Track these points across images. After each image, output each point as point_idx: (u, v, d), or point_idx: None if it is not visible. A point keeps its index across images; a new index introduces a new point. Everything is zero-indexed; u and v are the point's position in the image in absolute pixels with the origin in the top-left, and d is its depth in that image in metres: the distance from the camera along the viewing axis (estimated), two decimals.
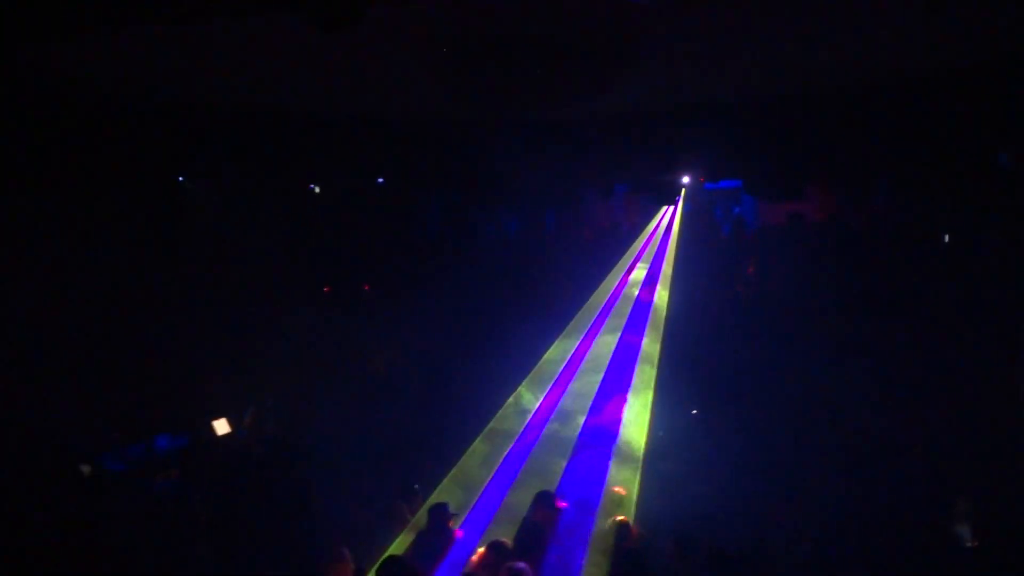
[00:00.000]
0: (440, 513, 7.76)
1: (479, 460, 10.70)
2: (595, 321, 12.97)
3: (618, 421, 10.95)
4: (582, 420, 11.17)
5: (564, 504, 8.04)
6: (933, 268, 11.30)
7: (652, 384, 11.49)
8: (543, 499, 8.04)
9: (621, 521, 7.78)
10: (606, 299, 13.37)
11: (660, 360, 11.80)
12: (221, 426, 11.06)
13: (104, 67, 7.93)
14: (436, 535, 7.58)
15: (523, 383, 11.89)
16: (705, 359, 11.63)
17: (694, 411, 11.08)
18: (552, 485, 9.08)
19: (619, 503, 8.69)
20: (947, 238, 11.82)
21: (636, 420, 10.92)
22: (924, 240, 11.81)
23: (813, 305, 11.54)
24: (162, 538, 8.38)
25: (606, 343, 12.61)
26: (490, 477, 10.48)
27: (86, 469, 9.27)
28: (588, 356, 12.40)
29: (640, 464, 9.94)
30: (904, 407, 10.19)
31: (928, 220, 11.73)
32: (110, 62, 7.76)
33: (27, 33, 5.26)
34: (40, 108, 8.38)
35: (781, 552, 7.84)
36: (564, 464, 10.27)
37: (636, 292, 13.39)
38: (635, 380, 11.72)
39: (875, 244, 12.01)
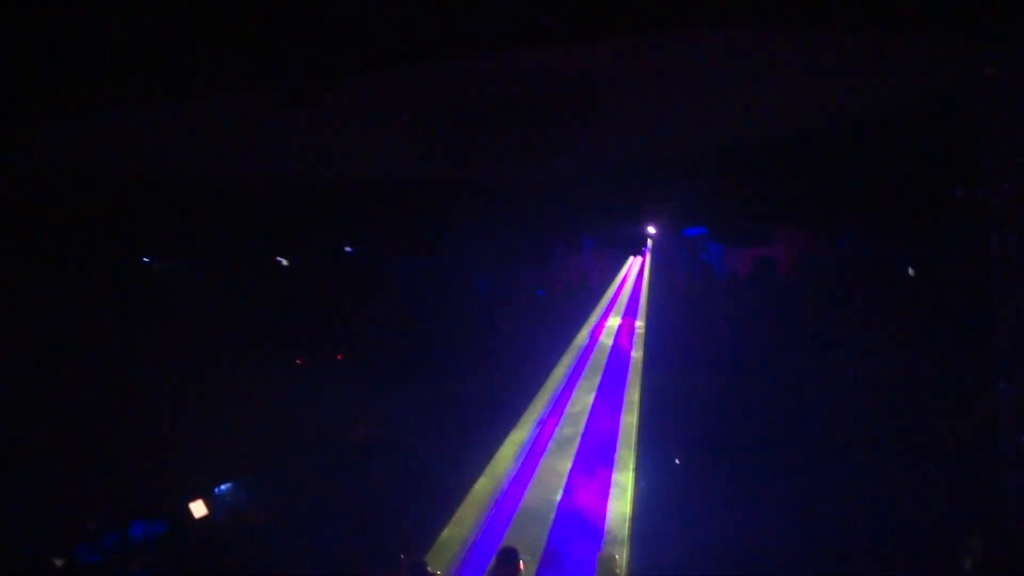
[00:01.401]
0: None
1: (463, 527, 10.64)
2: (570, 377, 13.04)
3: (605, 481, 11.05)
4: (561, 483, 11.23)
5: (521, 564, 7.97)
6: (901, 300, 11.48)
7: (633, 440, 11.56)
8: (506, 556, 7.99)
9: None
10: (581, 353, 13.44)
11: (640, 412, 11.86)
12: (198, 508, 10.78)
13: (66, 145, 7.88)
14: None
15: (504, 446, 11.87)
16: (686, 405, 11.66)
17: (676, 460, 11.05)
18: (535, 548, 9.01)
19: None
20: (911, 270, 12.02)
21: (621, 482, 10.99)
22: (890, 274, 12.00)
23: (790, 343, 11.63)
24: None
25: (583, 394, 12.69)
26: (471, 543, 10.43)
27: (59, 563, 8.94)
28: (567, 412, 12.46)
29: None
30: (889, 435, 10.25)
31: (893, 254, 11.93)
32: (72, 140, 7.71)
33: None
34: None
35: None
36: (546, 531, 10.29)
37: (609, 345, 13.49)
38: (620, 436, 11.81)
39: (844, 282, 12.18)
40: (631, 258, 13.99)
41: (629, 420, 12.00)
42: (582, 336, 13.66)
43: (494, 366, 13.14)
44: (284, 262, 12.54)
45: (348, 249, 12.24)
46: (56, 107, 5.92)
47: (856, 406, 10.57)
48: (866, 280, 12.07)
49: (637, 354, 13.01)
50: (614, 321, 13.85)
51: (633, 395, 12.40)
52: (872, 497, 9.53)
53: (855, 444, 10.29)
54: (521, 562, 7.81)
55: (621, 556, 9.25)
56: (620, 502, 10.77)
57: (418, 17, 5.06)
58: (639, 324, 13.43)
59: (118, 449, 10.46)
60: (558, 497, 11.13)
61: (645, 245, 12.45)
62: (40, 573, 9.03)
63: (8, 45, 5.07)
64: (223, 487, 11.44)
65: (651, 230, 12.29)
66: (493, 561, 7.91)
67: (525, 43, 5.44)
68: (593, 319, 13.86)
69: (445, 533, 10.58)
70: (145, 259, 11.05)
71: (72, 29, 5.04)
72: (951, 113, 8.41)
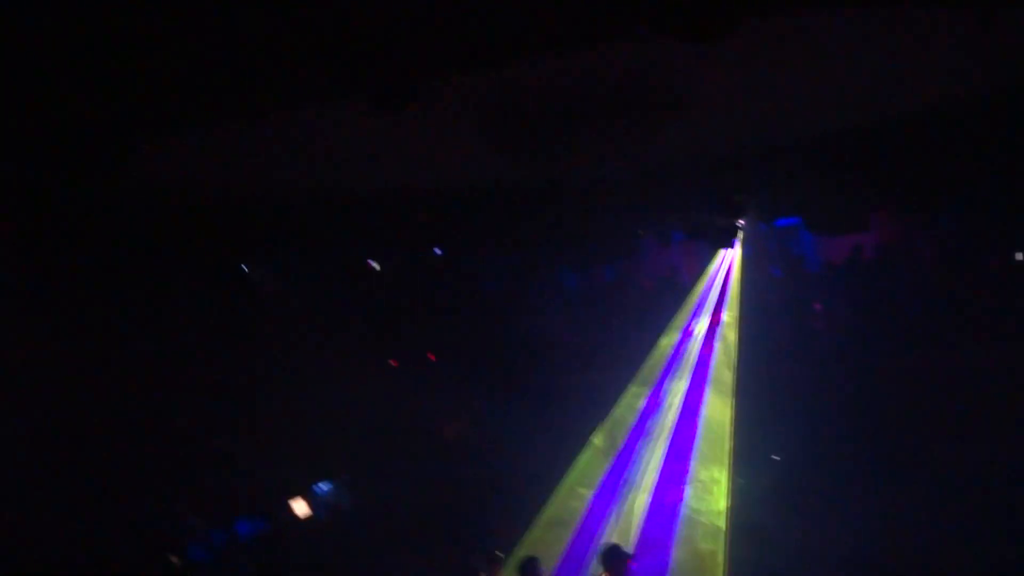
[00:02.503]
0: (531, 568, 7.68)
1: (554, 524, 10.67)
2: (663, 375, 12.90)
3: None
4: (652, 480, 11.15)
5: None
6: (1008, 286, 10.99)
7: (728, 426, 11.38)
8: (612, 554, 7.92)
9: None
10: (671, 351, 13.27)
11: (735, 408, 11.66)
12: (300, 507, 11.10)
13: (161, 164, 8.21)
14: None
15: (591, 445, 11.85)
16: (783, 403, 11.38)
17: (775, 456, 10.82)
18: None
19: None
20: (1020, 255, 11.51)
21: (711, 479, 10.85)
22: (995, 258, 11.51)
23: (887, 335, 11.25)
24: None
25: (676, 395, 12.53)
26: (569, 540, 10.42)
27: (175, 560, 9.33)
28: (660, 411, 12.35)
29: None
30: (987, 430, 9.83)
31: (998, 238, 11.43)
32: (166, 159, 8.03)
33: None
34: (96, 213, 8.65)
35: None
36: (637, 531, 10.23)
37: (699, 341, 13.27)
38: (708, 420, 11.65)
39: (946, 268, 11.72)
40: (721, 251, 13.73)
41: (721, 414, 11.82)
42: (669, 331, 13.47)
43: (583, 363, 13.09)
44: (377, 267, 12.78)
45: (437, 251, 12.39)
46: (158, 126, 6.20)
47: (969, 400, 10.14)
48: (968, 264, 11.62)
49: (730, 350, 12.77)
50: (702, 317, 13.62)
51: (727, 390, 12.20)
52: (992, 498, 9.12)
53: (969, 441, 9.89)
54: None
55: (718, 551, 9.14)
56: (714, 497, 10.64)
57: (505, 16, 5.10)
58: (730, 319, 13.17)
59: (222, 451, 10.86)
60: (649, 495, 11.05)
61: (735, 237, 12.20)
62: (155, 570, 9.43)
63: (112, 65, 5.31)
64: (323, 486, 11.75)
65: (740, 222, 12.04)
66: (596, 561, 7.88)
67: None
68: (681, 313, 13.65)
69: (537, 532, 10.63)
70: (244, 268, 11.43)
71: (167, 50, 5.26)
72: None
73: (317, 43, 5.33)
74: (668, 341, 13.35)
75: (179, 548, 9.54)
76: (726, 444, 11.34)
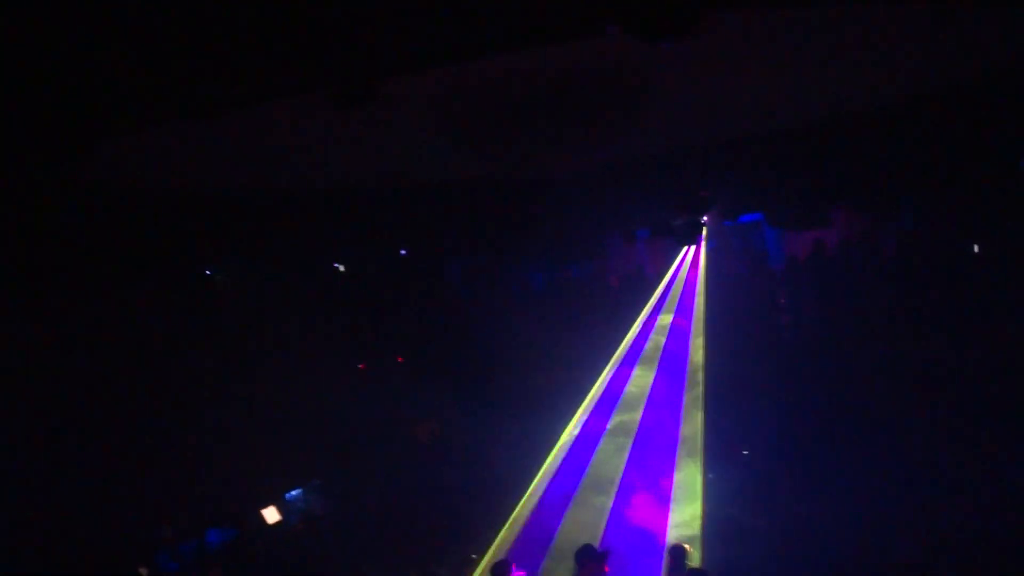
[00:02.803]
0: (503, 570, 7.69)
1: (523, 525, 10.70)
2: (629, 371, 13.00)
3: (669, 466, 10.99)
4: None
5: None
6: (967, 278, 11.18)
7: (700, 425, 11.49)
8: (586, 554, 7.89)
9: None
10: (638, 348, 13.37)
11: (703, 403, 11.77)
12: (271, 514, 10.99)
13: (118, 163, 8.07)
14: None
15: (560, 443, 11.91)
16: (750, 397, 11.50)
17: (744, 452, 10.93)
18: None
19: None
20: (976, 248, 11.71)
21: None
22: (954, 251, 11.70)
23: (852, 329, 11.40)
24: None
25: (644, 391, 12.63)
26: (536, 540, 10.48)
27: (144, 572, 9.19)
28: (628, 408, 12.44)
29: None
30: (958, 423, 9.99)
31: (956, 231, 11.63)
32: (123, 158, 7.90)
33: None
34: (57, 212, 8.48)
35: None
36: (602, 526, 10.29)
37: (665, 338, 13.39)
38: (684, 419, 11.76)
39: (907, 261, 11.90)
40: (685, 248, 13.85)
41: (693, 413, 11.92)
42: (636, 328, 13.58)
43: (551, 362, 13.12)
44: (341, 268, 12.71)
45: (403, 252, 12.34)
46: (117, 123, 6.09)
47: (932, 390, 10.31)
48: (928, 258, 11.80)
49: (697, 345, 12.89)
50: (668, 313, 13.74)
51: (695, 386, 12.30)
52: (951, 486, 9.28)
53: (933, 431, 10.04)
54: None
55: (695, 548, 9.18)
56: (688, 494, 10.70)
57: (470, 12, 5.08)
58: (696, 314, 13.30)
59: (189, 458, 10.72)
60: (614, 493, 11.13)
61: (700, 233, 12.31)
62: None
63: (73, 60, 5.21)
64: (294, 492, 11.65)
65: (704, 218, 12.14)
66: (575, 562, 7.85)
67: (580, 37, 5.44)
68: (648, 310, 13.76)
69: (504, 532, 10.63)
70: (207, 271, 11.29)
71: (132, 45, 5.17)
72: (1013, 85, 8.18)
73: (280, 39, 5.28)
74: (634, 337, 13.46)
75: (148, 558, 9.38)
76: (698, 441, 11.43)
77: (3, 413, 8.88)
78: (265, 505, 11.07)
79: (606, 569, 7.68)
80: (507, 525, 10.70)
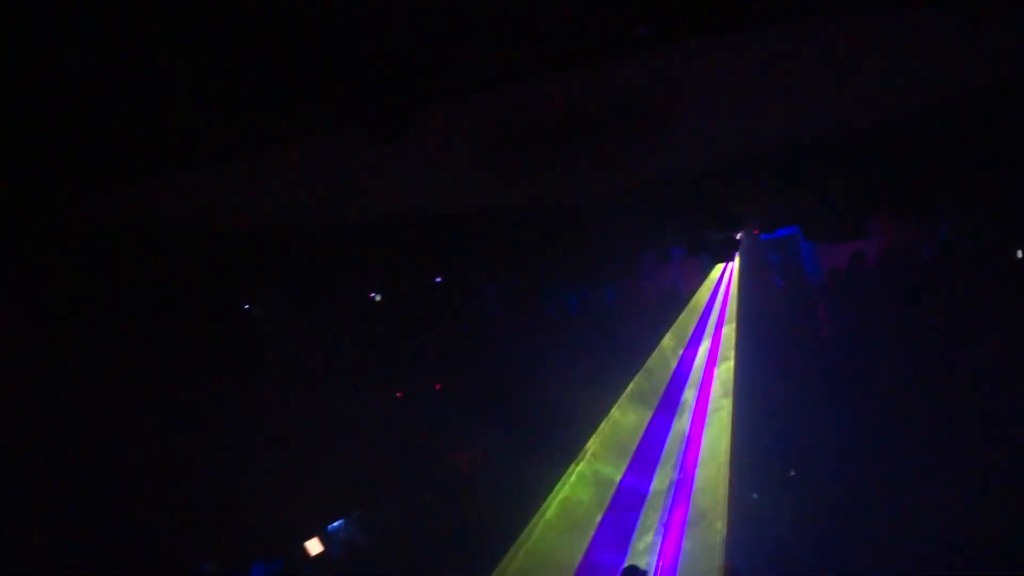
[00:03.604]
0: None
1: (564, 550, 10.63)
2: (667, 393, 12.89)
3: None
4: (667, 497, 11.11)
5: None
6: (1009, 283, 10.96)
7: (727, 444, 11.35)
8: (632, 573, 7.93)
9: None
10: (674, 367, 13.26)
11: (735, 423, 11.64)
12: (313, 546, 10.99)
13: (154, 203, 8.17)
14: None
15: (596, 465, 11.82)
16: (785, 410, 11.32)
17: (791, 472, 10.75)
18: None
19: None
20: (1021, 253, 11.49)
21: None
22: (996, 258, 11.49)
23: (893, 341, 11.20)
24: None
25: (683, 413, 12.52)
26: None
27: None
28: (666, 431, 12.34)
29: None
30: (1002, 431, 9.74)
31: (997, 237, 11.42)
32: (160, 200, 8.00)
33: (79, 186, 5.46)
34: (94, 254, 8.59)
35: None
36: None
37: (704, 356, 13.25)
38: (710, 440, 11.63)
39: (947, 270, 11.69)
40: (720, 265, 13.74)
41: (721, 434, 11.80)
42: (676, 345, 13.47)
43: (589, 383, 13.03)
44: (377, 298, 12.76)
45: (437, 279, 12.37)
46: (153, 166, 6.18)
47: (975, 401, 10.08)
48: (970, 265, 11.58)
49: (729, 363, 12.75)
50: (709, 330, 13.61)
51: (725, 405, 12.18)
52: (991, 496, 9.04)
53: (975, 442, 9.81)
54: None
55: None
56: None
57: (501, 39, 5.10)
58: (729, 330, 13.15)
59: (231, 492, 10.74)
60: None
61: (735, 250, 12.20)
62: None
63: (105, 103, 5.29)
64: (336, 523, 11.64)
65: (739, 234, 12.05)
66: None
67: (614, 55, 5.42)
68: (688, 329, 13.64)
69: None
70: (246, 306, 11.38)
71: (163, 86, 5.24)
72: None
73: (309, 76, 5.33)
74: (672, 358, 13.34)
75: None
76: (725, 459, 11.32)
77: (42, 451, 8.98)
78: (308, 537, 11.06)
79: None
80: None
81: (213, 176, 7.18)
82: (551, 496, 11.33)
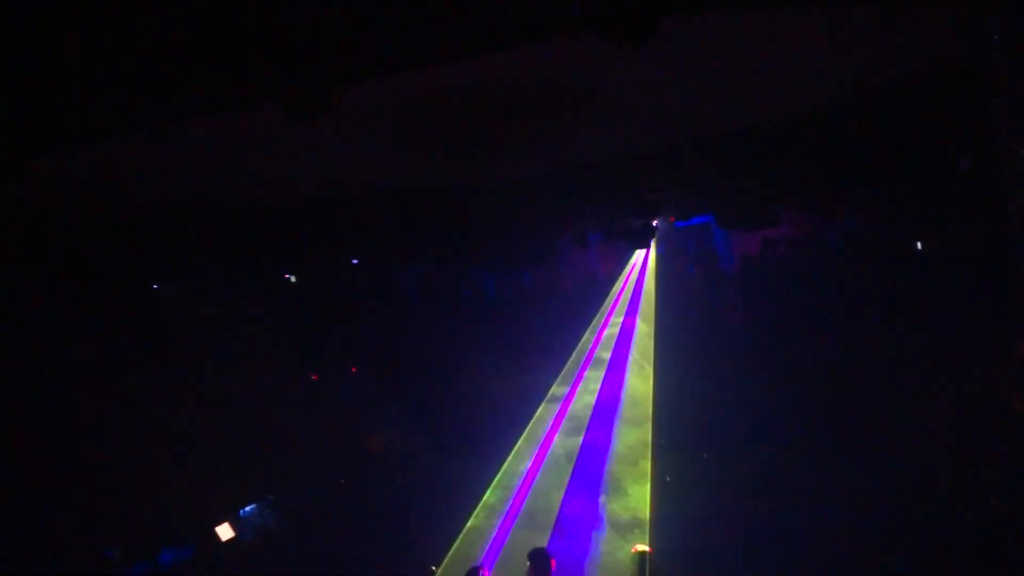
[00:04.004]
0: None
1: (476, 536, 10.69)
2: (582, 374, 13.06)
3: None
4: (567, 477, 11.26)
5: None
6: (910, 273, 11.45)
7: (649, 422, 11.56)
8: (537, 557, 8.01)
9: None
10: (590, 350, 13.45)
11: (655, 398, 11.84)
12: (224, 531, 10.77)
13: (61, 179, 7.85)
14: None
15: (514, 449, 11.90)
16: (700, 393, 11.58)
17: (704, 455, 11.03)
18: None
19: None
20: (919, 244, 12.00)
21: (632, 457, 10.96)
22: (898, 248, 11.98)
23: (801, 325, 11.58)
24: None
25: (594, 393, 12.70)
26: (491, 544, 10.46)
27: None
28: (576, 407, 12.49)
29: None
30: (902, 412, 10.18)
31: (899, 229, 11.91)
32: (67, 174, 7.68)
33: None
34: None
35: None
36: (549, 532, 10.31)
37: (618, 338, 13.48)
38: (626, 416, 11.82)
39: (851, 258, 12.15)
40: (636, 252, 14.00)
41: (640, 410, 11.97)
42: (591, 331, 13.67)
43: (506, 368, 13.12)
44: (292, 279, 12.54)
45: (354, 261, 12.23)
46: (59, 138, 5.91)
47: (879, 383, 10.51)
48: (874, 256, 12.05)
49: (646, 346, 12.99)
50: (620, 316, 13.85)
51: (643, 387, 12.39)
52: (892, 485, 9.42)
53: (877, 423, 10.21)
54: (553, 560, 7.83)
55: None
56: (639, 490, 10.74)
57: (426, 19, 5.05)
58: (645, 315, 13.40)
59: (139, 477, 10.44)
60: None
61: (651, 236, 12.44)
62: None
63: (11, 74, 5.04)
64: (248, 508, 11.44)
65: (655, 221, 12.28)
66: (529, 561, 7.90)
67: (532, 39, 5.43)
68: (602, 313, 13.86)
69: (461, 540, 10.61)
70: (155, 286, 11.04)
71: (74, 54, 5.02)
72: (956, 85, 8.40)
73: (228, 50, 5.18)
74: (587, 341, 13.54)
75: None
76: (648, 438, 11.52)
77: None
78: (219, 522, 10.84)
79: (552, 565, 7.79)
80: (462, 534, 10.68)
81: (121, 153, 6.92)
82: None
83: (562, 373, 13.13)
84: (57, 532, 9.31)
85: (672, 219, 12.61)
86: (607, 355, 13.37)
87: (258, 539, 11.06)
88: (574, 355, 13.42)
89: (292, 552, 10.56)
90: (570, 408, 12.60)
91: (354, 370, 13.37)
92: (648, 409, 11.96)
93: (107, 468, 10.13)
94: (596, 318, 13.91)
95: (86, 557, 9.67)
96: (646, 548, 8.40)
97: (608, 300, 14.12)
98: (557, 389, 12.91)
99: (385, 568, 9.80)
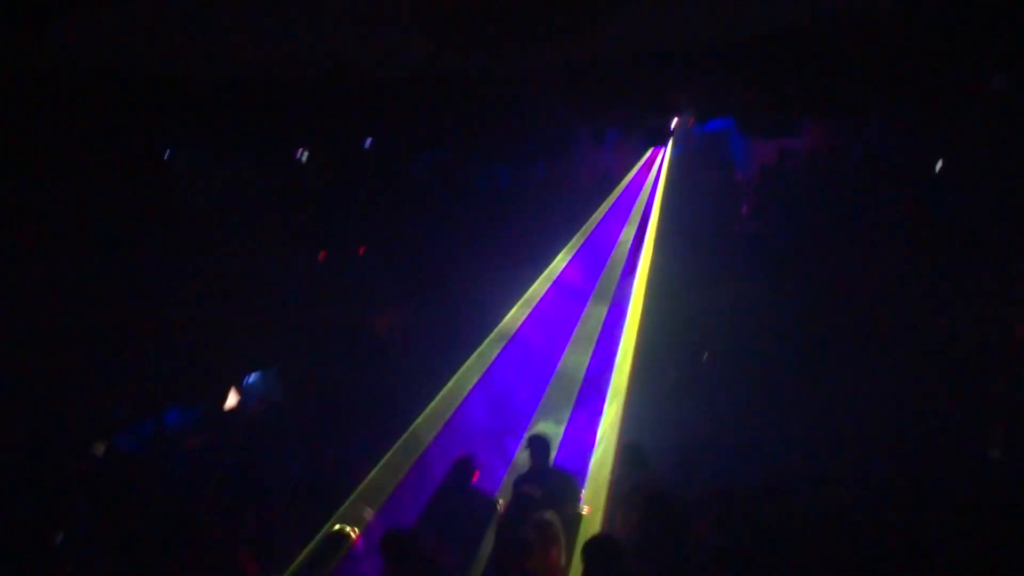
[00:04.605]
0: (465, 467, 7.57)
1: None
2: (591, 274, 13.02)
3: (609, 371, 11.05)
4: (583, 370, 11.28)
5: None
6: (930, 195, 11.31)
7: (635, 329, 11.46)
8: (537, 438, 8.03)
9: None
10: (599, 251, 13.38)
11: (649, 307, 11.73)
12: (229, 397, 11.12)
13: (82, 42, 7.75)
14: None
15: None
16: (704, 302, 11.55)
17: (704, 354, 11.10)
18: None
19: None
20: (940, 164, 11.82)
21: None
22: (918, 167, 11.80)
23: (813, 239, 11.51)
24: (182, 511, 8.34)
25: (606, 293, 12.69)
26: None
27: (99, 448, 9.28)
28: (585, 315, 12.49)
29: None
30: (909, 336, 10.16)
31: (922, 146, 11.71)
32: (88, 37, 7.58)
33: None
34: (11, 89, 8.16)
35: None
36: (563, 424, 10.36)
37: (628, 238, 13.39)
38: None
39: (872, 174, 11.97)
40: (651, 150, 13.79)
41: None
42: (602, 227, 13.52)
43: (512, 257, 13.08)
44: (305, 156, 12.49)
45: (367, 143, 12.13)
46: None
47: (879, 306, 10.50)
48: (894, 174, 11.85)
49: (650, 249, 12.87)
50: (635, 215, 13.72)
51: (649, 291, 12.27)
52: (890, 399, 9.44)
53: (885, 344, 10.18)
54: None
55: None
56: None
57: None
58: (656, 218, 13.24)
59: (147, 341, 10.69)
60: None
61: (668, 137, 12.26)
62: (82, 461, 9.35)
63: None
64: (253, 376, 11.75)
65: (674, 122, 12.09)
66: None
67: None
68: (615, 211, 13.72)
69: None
70: (166, 153, 11.03)
71: None
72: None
73: None
74: (598, 239, 13.46)
75: (106, 438, 9.46)
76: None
77: None
78: (225, 388, 11.17)
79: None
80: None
81: (139, 13, 6.81)
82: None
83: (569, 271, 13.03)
84: (66, 391, 9.64)
85: (691, 121, 12.39)
86: (617, 256, 13.26)
87: (261, 407, 11.40)
88: (583, 252, 13.32)
89: (292, 421, 10.87)
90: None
91: (362, 251, 13.45)
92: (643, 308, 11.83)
93: (116, 330, 10.38)
94: (608, 217, 13.78)
95: (96, 414, 10.02)
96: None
97: (620, 198, 13.96)
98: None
99: (383, 441, 9.97)
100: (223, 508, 7.86)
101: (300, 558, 6.84)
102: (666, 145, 12.93)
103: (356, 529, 6.88)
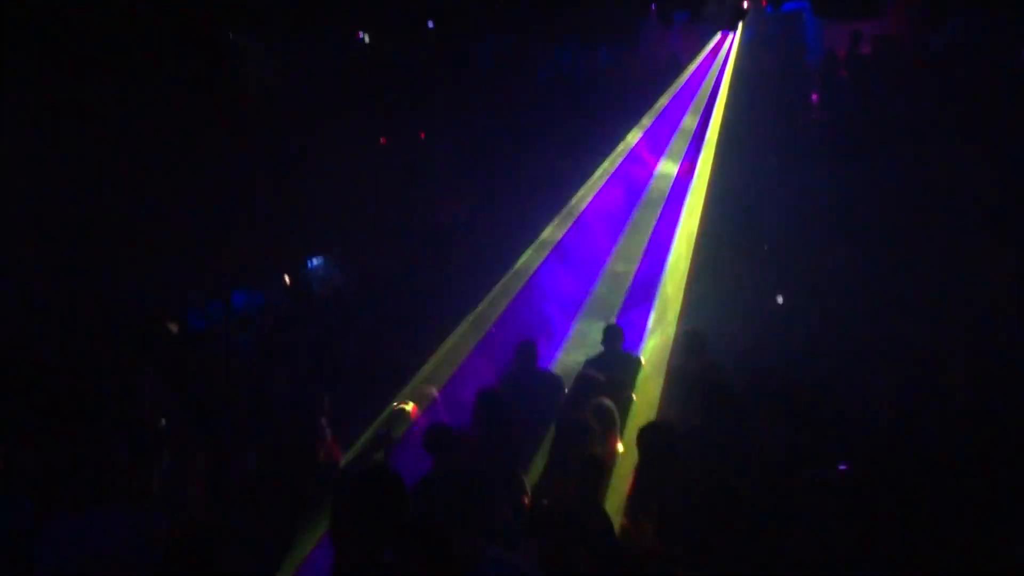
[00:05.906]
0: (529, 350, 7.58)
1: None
2: (655, 157, 12.76)
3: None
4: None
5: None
6: (1010, 88, 10.75)
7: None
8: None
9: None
10: (664, 135, 13.04)
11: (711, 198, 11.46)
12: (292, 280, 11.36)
13: None
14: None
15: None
16: (769, 193, 11.25)
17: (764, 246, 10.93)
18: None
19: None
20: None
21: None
22: (999, 66, 11.18)
23: (887, 129, 11.07)
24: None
25: (665, 175, 12.45)
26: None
27: (173, 327, 9.57)
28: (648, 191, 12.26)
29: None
30: (983, 236, 9.75)
31: (1005, 38, 11.09)
32: None
33: None
34: None
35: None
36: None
37: (693, 126, 13.02)
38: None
39: (950, 65, 11.37)
40: (719, 35, 13.28)
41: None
42: (668, 112, 13.15)
43: (572, 146, 12.84)
44: (366, 38, 12.27)
45: (430, 24, 11.85)
46: None
47: (942, 206, 10.11)
48: (975, 68, 11.22)
49: (714, 137, 12.49)
50: (700, 101, 13.30)
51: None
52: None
53: (949, 241, 9.81)
54: None
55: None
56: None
57: None
58: (721, 103, 12.81)
59: (216, 227, 10.86)
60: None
61: (740, 20, 11.77)
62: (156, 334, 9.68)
63: None
64: (315, 260, 11.91)
65: (746, 4, 11.59)
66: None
67: None
68: (681, 96, 13.30)
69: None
70: (230, 35, 10.93)
71: None
72: None
73: None
74: (663, 124, 13.12)
75: (179, 317, 9.75)
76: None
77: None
78: (289, 272, 11.37)
79: None
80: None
81: None
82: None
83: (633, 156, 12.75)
84: (142, 275, 9.97)
85: (764, 2, 11.88)
86: (679, 142, 12.95)
87: (324, 290, 11.60)
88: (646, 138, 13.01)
89: (353, 305, 11.04)
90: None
91: (423, 136, 13.33)
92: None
93: (187, 218, 10.58)
94: (674, 100, 13.37)
95: (170, 297, 10.32)
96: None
97: (688, 83, 13.50)
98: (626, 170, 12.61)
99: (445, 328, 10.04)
100: (298, 386, 8.06)
101: (364, 435, 7.02)
102: (736, 29, 12.45)
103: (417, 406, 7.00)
